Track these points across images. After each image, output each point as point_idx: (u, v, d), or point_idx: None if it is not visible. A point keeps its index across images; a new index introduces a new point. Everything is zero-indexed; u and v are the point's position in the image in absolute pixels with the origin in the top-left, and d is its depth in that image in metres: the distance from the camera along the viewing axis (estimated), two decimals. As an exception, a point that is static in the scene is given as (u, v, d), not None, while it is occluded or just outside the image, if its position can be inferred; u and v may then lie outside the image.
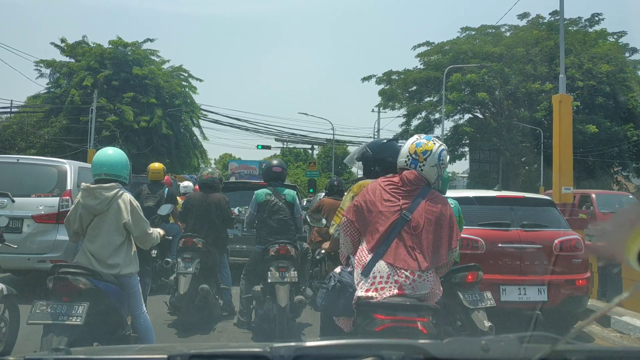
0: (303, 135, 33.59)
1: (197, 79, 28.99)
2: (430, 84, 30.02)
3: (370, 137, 37.49)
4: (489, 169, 33.44)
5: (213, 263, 5.62)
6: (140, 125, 24.33)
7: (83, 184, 3.58)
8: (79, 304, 3.16)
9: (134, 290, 3.57)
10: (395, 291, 2.57)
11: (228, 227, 6.02)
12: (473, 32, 31.17)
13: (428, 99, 31.81)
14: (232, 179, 21.58)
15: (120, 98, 24.82)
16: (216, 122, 30.57)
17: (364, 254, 2.69)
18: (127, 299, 3.51)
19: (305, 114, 34.65)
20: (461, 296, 3.77)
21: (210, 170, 6.15)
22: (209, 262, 5.55)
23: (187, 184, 11.00)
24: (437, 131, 31.52)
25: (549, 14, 29.32)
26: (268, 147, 35.41)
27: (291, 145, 38.70)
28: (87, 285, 3.24)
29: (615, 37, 28.99)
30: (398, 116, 32.25)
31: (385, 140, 3.69)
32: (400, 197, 2.72)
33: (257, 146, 34.30)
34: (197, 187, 9.59)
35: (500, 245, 5.41)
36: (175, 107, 26.10)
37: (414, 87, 31.30)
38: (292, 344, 1.33)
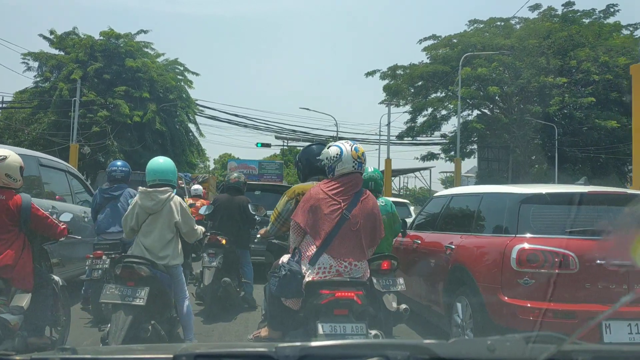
0: (305, 132, 31.95)
1: (193, 73, 27.50)
2: (438, 78, 28.49)
3: (375, 134, 35.98)
4: (497, 167, 31.83)
5: (235, 258, 6.18)
6: (133, 121, 22.75)
7: (140, 187, 4.17)
8: (141, 288, 3.76)
9: (179, 279, 4.16)
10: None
11: (249, 227, 6.44)
12: (481, 25, 29.70)
13: (434, 95, 30.30)
14: None
15: (111, 92, 23.23)
16: (213, 118, 28.96)
17: (311, 247, 3.17)
18: (174, 286, 4.09)
19: (307, 109, 33.52)
20: (375, 281, 4.18)
21: (236, 174, 6.73)
22: (231, 258, 6.12)
23: (197, 186, 12.63)
24: (445, 128, 30.04)
25: (562, 5, 27.87)
26: (268, 145, 33.97)
27: (292, 144, 37.10)
28: (147, 273, 3.83)
29: (630, 29, 27.42)
30: (405, 112, 30.68)
31: (313, 146, 3.95)
32: (341, 200, 3.16)
33: (257, 144, 32.98)
34: (204, 191, 12.01)
35: (599, 262, 3.79)
36: (170, 102, 24.38)
37: (420, 82, 29.79)
38: (297, 344, 1.32)
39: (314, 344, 1.37)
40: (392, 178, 39.67)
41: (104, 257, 5.19)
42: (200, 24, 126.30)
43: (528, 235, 4.04)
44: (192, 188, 12.56)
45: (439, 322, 5.17)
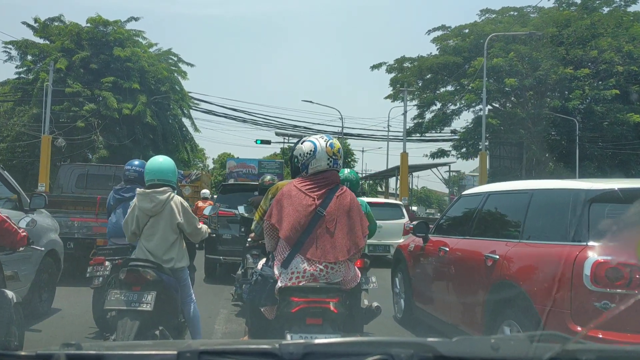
0: (307, 128, 30.99)
1: (187, 64, 26.51)
2: (448, 70, 27.61)
3: (383, 129, 35.03)
4: (509, 165, 30.92)
5: None
6: (122, 114, 21.81)
7: (138, 189, 4.15)
8: (148, 293, 3.69)
9: (185, 282, 4.14)
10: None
11: None
12: (494, 15, 28.81)
13: (444, 89, 29.46)
14: (231, 181, 20.53)
15: (98, 84, 22.25)
16: (210, 112, 27.96)
17: (283, 249, 3.03)
18: (180, 290, 4.05)
19: (310, 101, 32.51)
20: None
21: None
22: None
23: (205, 191, 13.87)
24: (456, 124, 29.20)
25: (580, -8, 26.93)
26: (268, 142, 32.91)
27: (293, 141, 36.17)
28: (153, 277, 3.76)
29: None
30: (415, 105, 29.79)
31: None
32: (315, 196, 3.01)
33: (256, 141, 32.03)
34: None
35: None
36: (162, 94, 23.42)
37: (429, 75, 28.93)
38: (301, 341, 1.39)
39: (317, 341, 1.39)
40: (394, 178, 38.19)
41: (106, 263, 5.01)
42: (198, 24, 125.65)
43: (603, 244, 3.19)
44: (201, 192, 14.54)
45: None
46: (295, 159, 3.22)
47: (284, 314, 2.92)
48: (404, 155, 24.28)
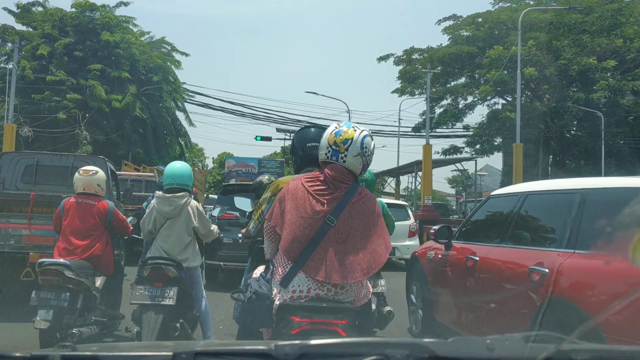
0: (310, 123, 30.40)
1: (182, 53, 25.71)
2: (460, 62, 27.03)
3: (395, 125, 34.36)
4: (525, 162, 30.26)
5: None
6: (112, 106, 21.01)
7: (157, 192, 4.64)
8: (170, 288, 4.22)
9: (197, 280, 4.70)
10: None
11: None
12: (507, 4, 28.22)
13: (454, 82, 28.90)
14: (232, 181, 20.55)
15: (84, 73, 21.47)
16: (206, 105, 27.24)
17: (284, 262, 2.61)
18: (193, 286, 4.59)
19: (315, 93, 32.17)
20: None
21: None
22: None
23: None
24: (469, 119, 28.63)
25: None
26: (268, 139, 32.25)
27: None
28: (174, 274, 4.28)
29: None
30: (428, 96, 29.17)
31: (312, 128, 3.46)
32: (326, 199, 2.57)
33: (256, 137, 31.40)
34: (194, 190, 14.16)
35: None
36: (154, 85, 22.70)
37: (440, 68, 28.36)
38: (297, 342, 1.38)
39: (313, 342, 1.42)
40: (389, 179, 37.04)
41: None
42: (196, 24, 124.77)
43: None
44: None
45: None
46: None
47: (283, 336, 2.52)
48: (427, 148, 21.16)
